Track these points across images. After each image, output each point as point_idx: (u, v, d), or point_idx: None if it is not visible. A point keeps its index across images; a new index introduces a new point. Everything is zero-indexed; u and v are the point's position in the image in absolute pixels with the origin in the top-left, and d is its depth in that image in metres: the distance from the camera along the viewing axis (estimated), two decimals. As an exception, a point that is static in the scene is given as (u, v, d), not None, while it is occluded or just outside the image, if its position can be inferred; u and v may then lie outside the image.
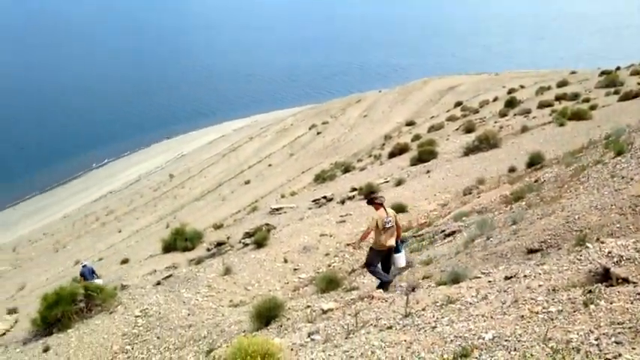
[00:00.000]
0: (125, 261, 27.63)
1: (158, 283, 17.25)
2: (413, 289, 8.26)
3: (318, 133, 67.11)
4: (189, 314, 13.90)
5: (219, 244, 22.31)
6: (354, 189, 24.91)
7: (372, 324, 6.82)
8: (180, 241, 24.72)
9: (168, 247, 25.09)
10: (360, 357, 5.65)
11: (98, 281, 20.56)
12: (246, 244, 20.16)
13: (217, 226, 29.69)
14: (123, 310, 15.24)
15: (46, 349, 13.44)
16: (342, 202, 23.45)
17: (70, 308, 14.88)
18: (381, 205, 9.66)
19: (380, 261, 9.79)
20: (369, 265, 9.93)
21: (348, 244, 17.31)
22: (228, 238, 23.13)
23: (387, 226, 9.46)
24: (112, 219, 51.29)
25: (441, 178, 23.16)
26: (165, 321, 13.66)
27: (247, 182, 50.76)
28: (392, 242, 9.60)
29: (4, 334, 17.56)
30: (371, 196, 9.98)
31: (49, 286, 26.21)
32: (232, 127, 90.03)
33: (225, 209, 39.73)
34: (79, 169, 74.16)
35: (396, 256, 9.70)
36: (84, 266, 21.90)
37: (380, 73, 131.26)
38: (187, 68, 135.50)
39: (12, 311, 21.31)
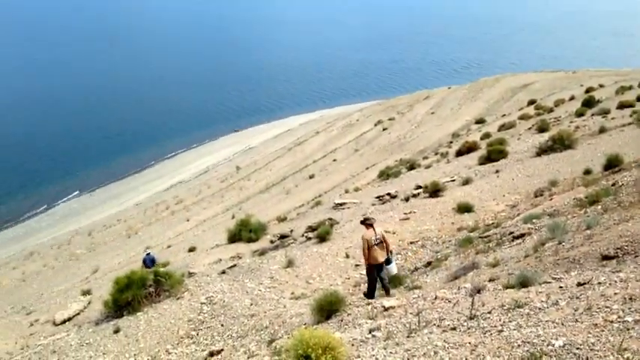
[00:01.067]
0: (192, 249, 28.51)
1: (223, 272, 17.73)
2: (478, 291, 8.06)
3: (384, 129, 66.60)
4: (251, 304, 14.17)
5: (283, 236, 22.62)
6: (419, 187, 24.56)
7: (435, 324, 6.71)
8: (245, 232, 25.26)
9: (234, 238, 25.70)
10: (423, 356, 5.57)
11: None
12: (309, 238, 20.33)
13: (281, 219, 30.09)
14: (189, 296, 15.76)
15: (116, 331, 14.10)
16: (407, 199, 23.18)
17: (140, 292, 15.55)
18: (371, 225, 11.39)
19: (377, 271, 11.35)
20: (368, 275, 11.70)
21: (410, 243, 17.12)
22: (291, 231, 23.40)
23: (375, 242, 11.20)
24: (181, 208, 52.98)
25: (510, 178, 22.45)
26: (229, 309, 14.01)
27: (311, 176, 51.10)
28: (382, 257, 11.27)
29: (78, 314, 18.54)
30: (363, 219, 11.78)
31: (120, 270, 27.49)
32: (299, 121, 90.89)
33: (289, 202, 40.20)
34: (152, 159, 77.19)
35: (388, 267, 11.40)
36: (147, 254, 22.91)
37: (454, 69, 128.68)
38: (259, 63, 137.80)
39: (86, 293, 22.45)
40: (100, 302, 17.90)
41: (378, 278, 11.46)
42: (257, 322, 12.53)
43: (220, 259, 20.88)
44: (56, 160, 75.20)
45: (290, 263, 17.16)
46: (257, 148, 78.87)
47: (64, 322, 17.76)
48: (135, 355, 12.62)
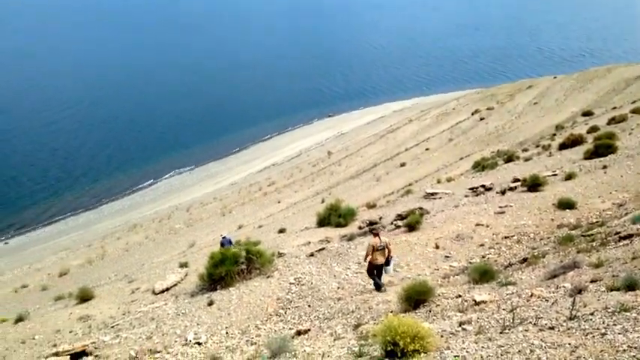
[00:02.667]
0: (282, 230, 29.19)
1: (311, 255, 18.05)
2: (579, 292, 7.62)
3: (482, 119, 64.32)
4: (338, 287, 14.33)
5: (371, 223, 22.59)
6: (517, 180, 23.55)
7: (530, 322, 6.43)
8: (334, 217, 25.50)
9: (323, 222, 26.02)
10: (517, 354, 5.36)
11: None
12: (398, 226, 20.17)
13: (370, 206, 30.04)
14: (279, 276, 16.21)
15: (210, 303, 14.79)
16: (503, 192, 22.32)
17: (233, 268, 16.20)
18: (377, 234, 13.72)
19: (376, 270, 13.68)
20: (368, 272, 13.92)
21: (505, 237, 16.51)
22: (380, 218, 23.32)
23: (378, 248, 13.44)
24: (273, 190, 54.34)
25: (619, 175, 20.96)
26: (316, 291, 14.26)
27: (403, 165, 50.50)
28: (382, 260, 13.55)
29: (175, 285, 19.62)
30: (371, 229, 15.11)
31: (215, 246, 28.73)
32: (393, 108, 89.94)
33: (378, 189, 40.01)
34: (248, 141, 79.66)
35: (386, 267, 13.74)
36: (224, 237, 23.84)
37: (563, 57, 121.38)
38: (356, 48, 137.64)
39: (183, 265, 23.68)
40: (195, 275, 18.85)
41: (375, 274, 13.71)
42: (343, 305, 12.66)
43: (309, 242, 21.24)
44: (163, 137, 79.75)
45: (378, 250, 17.14)
46: (349, 134, 79.01)
47: (162, 291, 18.88)
48: (227, 327, 13.18)
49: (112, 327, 15.11)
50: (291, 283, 15.29)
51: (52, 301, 23.92)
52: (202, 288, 16.87)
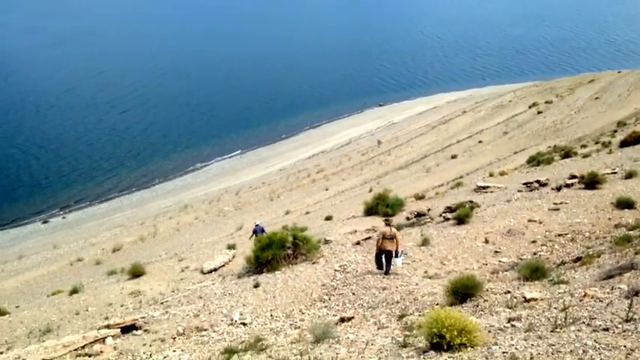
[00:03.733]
0: (329, 218, 29.30)
1: (357, 243, 18.06)
2: (636, 294, 7.32)
3: (539, 113, 62.36)
4: (383, 277, 14.28)
5: (419, 214, 22.38)
6: (574, 176, 22.76)
7: (584, 322, 6.23)
8: (381, 206, 25.41)
9: (370, 211, 25.98)
10: (569, 354, 5.20)
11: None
12: (447, 219, 19.89)
13: (419, 197, 29.73)
14: (324, 262, 16.30)
15: (256, 285, 15.01)
16: (558, 188, 21.63)
17: (280, 252, 16.39)
18: (389, 224, 14.89)
19: (385, 256, 14.57)
20: (376, 256, 14.95)
21: (558, 235, 16.02)
22: (428, 210, 23.05)
23: (387, 236, 14.51)
24: (321, 177, 54.50)
25: (684, 175, 19.96)
26: (361, 279, 14.26)
27: (454, 157, 49.62)
28: (389, 247, 14.50)
29: (223, 266, 20.04)
30: (384, 218, 16.15)
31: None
32: (446, 99, 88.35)
33: (428, 181, 39.52)
34: (298, 128, 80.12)
35: (395, 259, 14.60)
36: (257, 225, 24.34)
37: (631, 51, 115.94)
38: (412, 38, 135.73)
39: (231, 247, 24.15)
40: (242, 257, 19.18)
41: (384, 261, 14.67)
42: (388, 295, 12.62)
43: (356, 230, 21.25)
44: (217, 121, 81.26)
45: (425, 242, 16.99)
46: (400, 123, 78.21)
47: (210, 271, 19.33)
48: (271, 310, 13.37)
49: (162, 303, 15.57)
50: (336, 270, 15.35)
51: (105, 276, 24.91)
52: (249, 270, 17.16)
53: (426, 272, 14.61)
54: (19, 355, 11.40)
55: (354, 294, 13.42)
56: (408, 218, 22.48)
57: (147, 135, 75.84)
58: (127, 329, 13.21)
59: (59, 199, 58.57)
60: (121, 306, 16.59)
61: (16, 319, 16.87)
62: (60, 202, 58.03)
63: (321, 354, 8.25)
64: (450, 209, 20.87)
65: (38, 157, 67.06)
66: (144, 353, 11.32)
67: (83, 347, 11.95)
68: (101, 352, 11.70)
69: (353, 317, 11.20)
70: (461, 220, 18.73)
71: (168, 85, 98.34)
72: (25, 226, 52.92)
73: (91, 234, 46.12)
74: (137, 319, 13.59)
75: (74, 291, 19.93)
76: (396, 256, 14.70)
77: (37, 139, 72.93)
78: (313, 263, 16.24)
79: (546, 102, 66.26)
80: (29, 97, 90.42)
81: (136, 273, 20.92)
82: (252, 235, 24.14)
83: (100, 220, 52.53)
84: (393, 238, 14.56)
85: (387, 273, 14.62)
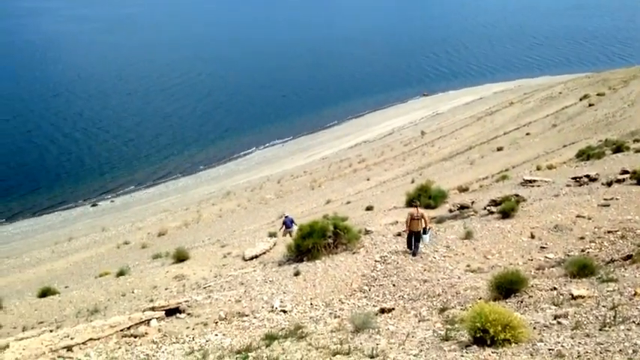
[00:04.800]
0: (370, 208, 29.23)
1: (398, 235, 17.95)
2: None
3: (590, 105, 60.26)
4: (425, 270, 14.20)
5: (463, 207, 22.05)
6: (626, 172, 21.94)
7: (634, 321, 6.03)
8: (424, 198, 25.10)
9: (412, 202, 25.77)
10: (618, 353, 5.05)
11: (295, 228, 22.80)
12: (491, 212, 19.52)
13: (462, 189, 29.30)
14: (364, 252, 16.30)
15: (296, 273, 15.15)
16: (609, 184, 20.92)
17: (320, 241, 16.45)
18: (415, 206, 16.28)
19: (414, 236, 15.63)
20: (407, 238, 16.00)
21: (608, 232, 15.55)
22: (472, 202, 22.69)
23: (415, 217, 15.56)
24: (363, 167, 54.33)
25: None
26: (402, 271, 14.21)
27: (499, 149, 48.57)
28: (417, 228, 15.51)
29: (264, 253, 20.29)
30: (410, 200, 18.53)
31: (303, 219, 29.27)
32: (493, 89, 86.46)
33: (472, 173, 38.84)
34: (341, 117, 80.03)
35: (423, 236, 15.71)
36: (286, 217, 24.77)
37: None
38: (457, 26, 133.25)
39: (272, 235, 24.42)
40: (283, 245, 19.38)
41: (413, 242, 15.67)
42: (429, 288, 12.54)
43: (397, 222, 21.12)
44: (260, 110, 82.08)
45: (468, 235, 16.75)
46: (444, 114, 77.07)
47: (251, 258, 19.61)
48: (311, 298, 13.48)
49: (204, 288, 15.91)
50: (376, 261, 15.33)
51: (151, 259, 25.60)
52: (289, 258, 17.31)
53: (468, 266, 14.42)
54: (68, 334, 11.87)
55: (394, 285, 13.39)
56: (450, 210, 22.20)
57: (191, 122, 77.26)
58: (171, 312, 13.56)
59: (108, 183, 60.34)
60: (166, 289, 17.03)
61: (66, 298, 17.56)
62: (108, 186, 59.77)
63: (361, 344, 8.28)
64: (494, 202, 20.46)
65: (88, 143, 69.26)
66: (187, 336, 11.62)
67: (129, 328, 12.35)
68: (146, 333, 12.07)
69: (393, 309, 11.19)
70: (506, 214, 18.35)
71: (213, 73, 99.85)
72: (74, 209, 54.78)
73: (137, 218, 47.40)
74: (181, 303, 13.94)
75: (121, 273, 20.58)
76: (424, 233, 15.69)
77: (87, 124, 75.44)
78: (353, 253, 16.25)
79: (598, 94, 63.94)
80: (78, 83, 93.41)
81: (180, 257, 21.41)
82: (281, 228, 24.58)
83: (146, 204, 53.90)
84: (420, 218, 15.56)
85: (414, 254, 15.48)
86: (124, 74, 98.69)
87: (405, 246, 16.13)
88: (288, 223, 24.25)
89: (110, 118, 78.13)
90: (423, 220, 15.69)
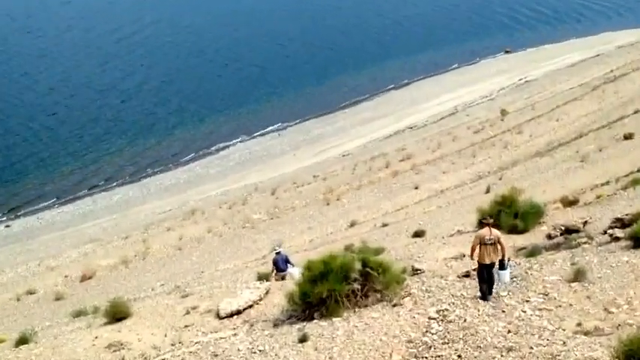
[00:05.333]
0: (419, 233, 29.18)
1: (466, 275, 17.92)
2: None
3: None
4: (509, 331, 14.17)
5: (570, 230, 22.06)
6: None
7: None
8: (506, 217, 25.10)
9: (482, 220, 25.72)
10: None
11: (293, 271, 23.03)
12: (616, 238, 19.50)
13: (568, 202, 29.24)
14: (412, 304, 16.26)
15: (302, 339, 15.12)
16: None
17: (341, 288, 16.41)
18: (487, 225, 16.30)
19: (486, 272, 16.02)
20: (478, 275, 16.38)
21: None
22: (584, 223, 22.67)
23: (487, 242, 15.89)
24: (408, 168, 54.28)
25: None
26: (472, 334, 14.16)
27: (628, 137, 48.30)
28: (491, 259, 15.93)
29: (250, 306, 20.28)
30: (481, 218, 18.40)
31: (313, 251, 29.28)
32: (616, 41, 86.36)
33: (584, 176, 38.72)
34: (369, 89, 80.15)
35: (501, 272, 16.32)
36: (277, 253, 24.88)
37: None
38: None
39: (263, 278, 24.44)
40: (281, 294, 19.36)
41: (486, 280, 16.04)
42: (518, 360, 12.52)
43: (463, 255, 21.10)
44: (243, 81, 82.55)
45: (579, 275, 16.68)
46: (538, 81, 77.06)
47: (230, 315, 19.61)
48: (327, 379, 13.51)
49: (156, 364, 15.96)
50: (431, 318, 15.31)
51: (70, 317, 25.70)
52: (291, 315, 17.30)
53: (579, 325, 14.37)
54: None
55: (459, 357, 13.35)
56: (550, 236, 22.18)
57: (137, 102, 77.76)
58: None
59: (1, 197, 60.59)
60: (94, 366, 17.09)
61: None
62: (2, 201, 60.01)
63: None
64: (621, 222, 20.42)
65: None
66: None
67: None
68: None
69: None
70: (639, 241, 18.29)
71: (177, 25, 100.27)
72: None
73: (48, 253, 47.62)
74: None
75: (22, 340, 20.60)
76: (502, 267, 16.27)
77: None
78: (394, 306, 16.24)
79: None
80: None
81: (117, 315, 21.41)
82: (273, 270, 24.57)
83: (63, 231, 54.17)
84: (495, 244, 15.96)
85: (486, 297, 15.95)
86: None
87: (477, 290, 16.23)
88: (280, 264, 24.34)
89: (13, 91, 78.64)
90: (499, 247, 15.94)
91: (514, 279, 16.85)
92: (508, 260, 16.47)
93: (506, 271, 16.31)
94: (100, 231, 52.30)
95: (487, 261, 15.87)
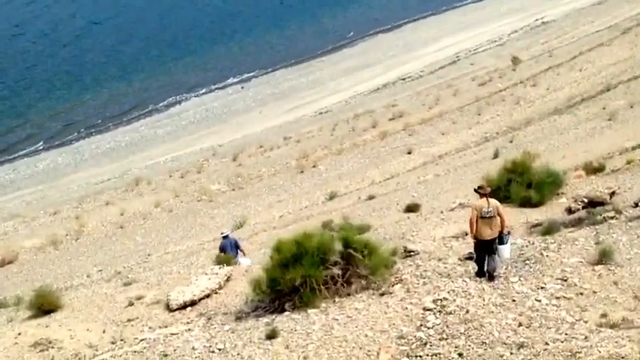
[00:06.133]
0: (413, 207, 29.23)
1: (470, 258, 17.99)
2: None
3: None
4: (520, 324, 14.26)
5: (594, 203, 22.20)
6: None
7: None
8: (518, 187, 25.26)
9: (478, 189, 25.82)
10: None
11: (243, 261, 23.81)
12: (651, 214, 19.67)
13: (593, 169, 29.37)
14: (403, 293, 16.34)
15: (271, 335, 15.12)
16: None
17: (318, 273, 16.43)
18: (485, 195, 17.07)
19: (483, 248, 16.78)
20: (475, 252, 17.30)
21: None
22: (612, 194, 22.82)
23: (485, 215, 16.59)
24: (399, 128, 54.13)
25: None
26: (475, 328, 14.25)
27: (668, 90, 48.77)
28: (490, 234, 16.62)
29: (208, 296, 20.29)
30: (477, 186, 17.89)
31: (283, 229, 29.32)
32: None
33: (612, 137, 38.85)
34: (352, 32, 79.87)
35: (500, 247, 16.84)
36: (225, 236, 25.36)
37: None
38: None
39: (223, 262, 24.41)
40: (245, 281, 19.36)
41: (485, 257, 16.80)
42: (531, 358, 12.61)
43: (465, 233, 21.18)
44: (196, 21, 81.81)
45: (604, 257, 16.81)
46: (556, 23, 77.20)
47: (184, 306, 19.63)
48: (301, 386, 13.60)
49: (92, 366, 15.98)
50: (426, 310, 15.36)
51: (-14, 311, 25.59)
52: (257, 306, 17.33)
53: (604, 316, 14.49)
54: None
55: (460, 356, 13.44)
56: (570, 210, 22.31)
57: (71, 47, 76.85)
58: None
59: None
60: (16, 369, 17.09)
61: None
62: None
63: None
64: (655, 195, 20.61)
65: None
66: None
67: None
68: None
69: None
70: (677, 217, 18.51)
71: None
72: None
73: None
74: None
75: None
76: (501, 242, 16.90)
77: None
78: (382, 294, 16.31)
79: None
80: None
81: (45, 307, 21.34)
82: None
83: (-25, 204, 53.84)
84: (494, 217, 16.67)
85: (490, 278, 16.64)
86: None
87: (475, 268, 17.11)
88: (228, 250, 24.67)
89: None
90: (498, 220, 16.64)
91: (527, 262, 16.95)
92: (508, 233, 17.04)
93: (505, 245, 16.85)
94: (22, 205, 51.96)
95: (487, 236, 16.50)
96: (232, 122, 64.96)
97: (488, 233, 16.49)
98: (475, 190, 17.60)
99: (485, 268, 16.67)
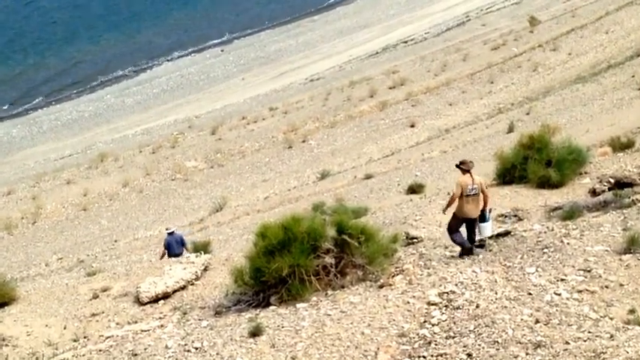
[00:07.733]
0: (416, 188, 29.34)
1: (480, 246, 18.03)
2: None
3: None
4: (537, 321, 14.28)
5: (621, 184, 22.25)
6: None
7: None
8: (536, 165, 25.26)
9: (507, 173, 25.88)
10: None
11: (192, 257, 23.31)
12: (684, 196, 19.72)
13: (619, 145, 29.45)
14: (405, 285, 16.37)
15: (255, 333, 15.11)
16: None
17: (308, 263, 16.45)
18: (468, 171, 17.74)
19: (463, 228, 18.08)
20: (449, 231, 18.22)
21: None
22: (641, 173, 22.87)
23: (470, 192, 17.56)
24: (401, 98, 54.14)
25: None
26: (486, 325, 14.27)
27: None
28: (475, 212, 17.82)
29: (183, 287, 20.33)
30: (459, 162, 18.25)
31: (269, 212, 29.37)
32: None
33: (641, 110, 39.08)
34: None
35: (482, 225, 18.06)
36: (170, 233, 25.62)
37: None
38: None
39: (200, 248, 24.44)
40: (225, 271, 19.38)
41: (466, 235, 18.11)
42: (550, 359, 12.65)
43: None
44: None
45: (633, 245, 16.85)
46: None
47: (156, 299, 19.66)
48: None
49: (51, 366, 16.00)
50: (431, 304, 15.38)
51: None
52: (239, 300, 17.36)
53: (632, 312, 14.54)
54: None
55: (470, 356, 13.47)
56: (595, 192, 22.37)
57: (35, 3, 76.72)
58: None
59: None
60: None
61: None
62: None
63: None
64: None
65: None
66: None
67: None
68: None
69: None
70: None
71: None
72: None
73: None
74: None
75: None
76: (483, 220, 18.08)
77: None
78: (381, 287, 16.34)
79: None
80: None
81: (-4, 299, 21.39)
82: (163, 254, 24.97)
83: None
84: (478, 194, 17.82)
85: (467, 253, 17.84)
86: None
87: (457, 246, 18.28)
88: (172, 246, 24.99)
89: None
90: (482, 198, 17.84)
91: (545, 250, 16.96)
92: (489, 211, 18.16)
93: (487, 223, 18.04)
94: (-29, 184, 51.95)
95: (473, 214, 17.76)
96: (211, 90, 64.99)
97: (474, 211, 17.66)
98: (457, 166, 18.25)
99: (466, 249, 17.76)
